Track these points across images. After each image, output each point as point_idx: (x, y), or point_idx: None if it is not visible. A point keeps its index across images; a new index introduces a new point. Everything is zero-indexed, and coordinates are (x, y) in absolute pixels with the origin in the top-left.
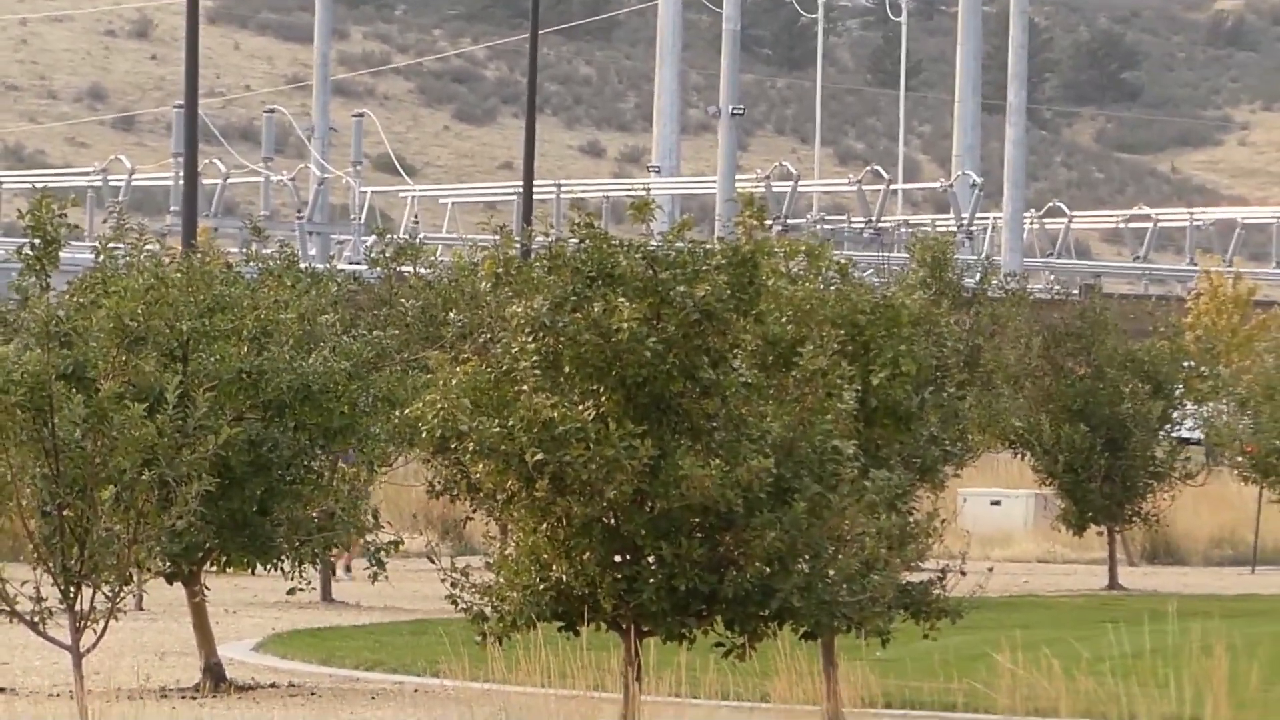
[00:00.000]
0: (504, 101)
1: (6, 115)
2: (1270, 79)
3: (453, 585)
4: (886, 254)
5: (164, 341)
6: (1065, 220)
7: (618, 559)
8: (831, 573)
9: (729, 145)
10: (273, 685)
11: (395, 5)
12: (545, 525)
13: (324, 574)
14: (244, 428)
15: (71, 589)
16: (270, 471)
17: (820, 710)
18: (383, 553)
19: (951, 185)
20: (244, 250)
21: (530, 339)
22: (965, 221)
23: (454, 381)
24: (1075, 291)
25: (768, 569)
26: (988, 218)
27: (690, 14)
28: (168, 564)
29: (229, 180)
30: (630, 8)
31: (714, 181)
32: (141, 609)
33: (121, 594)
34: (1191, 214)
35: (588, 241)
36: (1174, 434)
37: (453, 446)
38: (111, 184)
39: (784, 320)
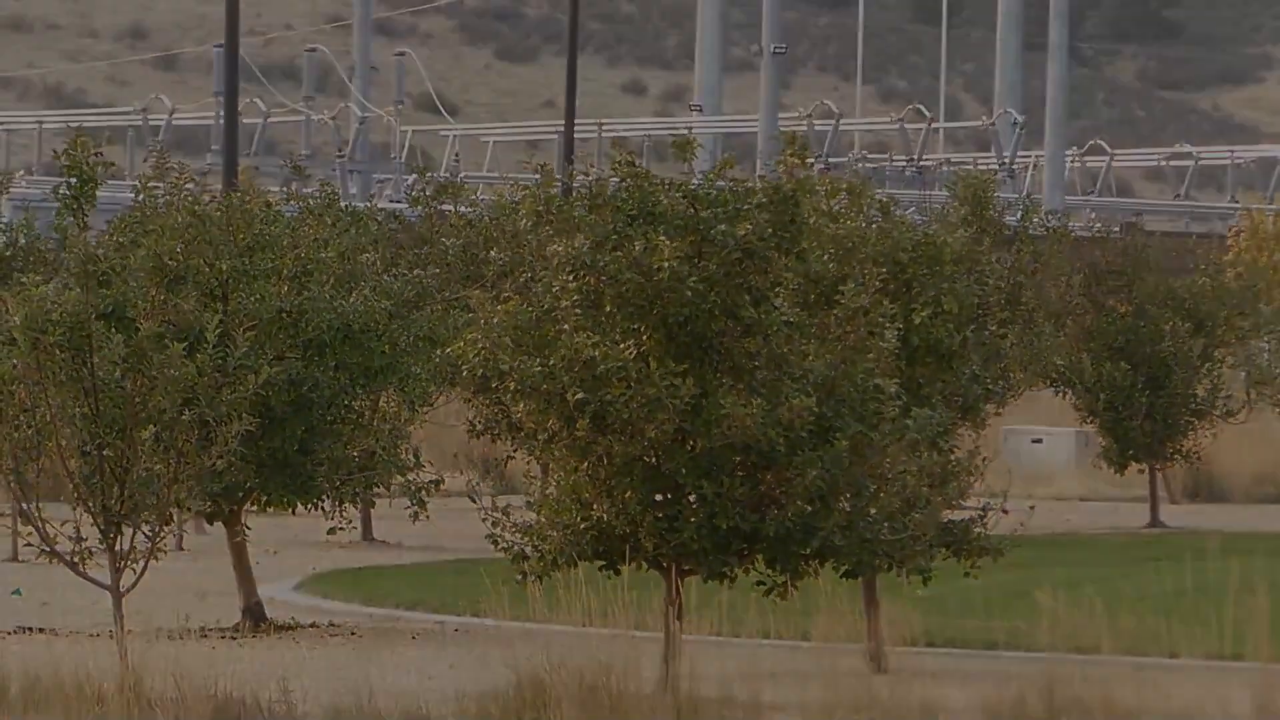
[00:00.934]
0: (545, 39)
1: (47, 54)
2: None
3: (493, 525)
4: (928, 192)
5: (204, 280)
6: (1106, 158)
7: (659, 498)
8: (873, 511)
9: (771, 84)
10: (313, 625)
11: None
12: (586, 464)
13: (365, 513)
14: (284, 367)
15: (111, 529)
16: (311, 411)
17: (862, 649)
18: (423, 492)
19: (993, 123)
20: (284, 189)
21: (571, 278)
22: (1007, 159)
23: (495, 320)
24: (1116, 229)
25: (809, 507)
26: (1029, 156)
27: None
28: (208, 504)
29: (270, 119)
30: None
31: (756, 120)
32: (182, 549)
33: (162, 534)
34: (1232, 151)
35: (629, 180)
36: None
37: (494, 386)
38: (152, 123)
39: (826, 258)
